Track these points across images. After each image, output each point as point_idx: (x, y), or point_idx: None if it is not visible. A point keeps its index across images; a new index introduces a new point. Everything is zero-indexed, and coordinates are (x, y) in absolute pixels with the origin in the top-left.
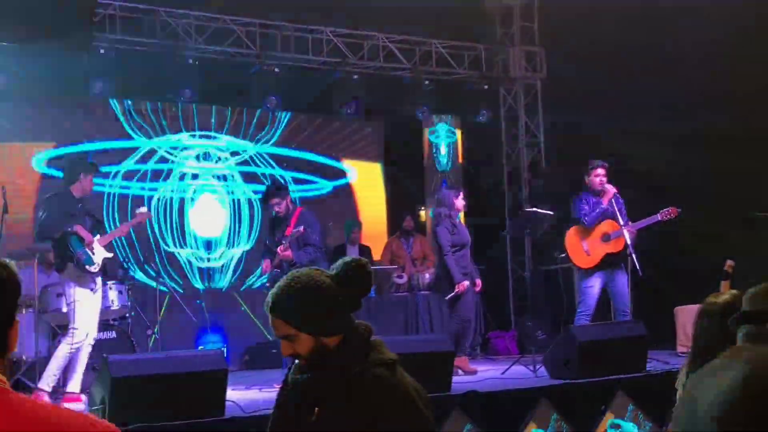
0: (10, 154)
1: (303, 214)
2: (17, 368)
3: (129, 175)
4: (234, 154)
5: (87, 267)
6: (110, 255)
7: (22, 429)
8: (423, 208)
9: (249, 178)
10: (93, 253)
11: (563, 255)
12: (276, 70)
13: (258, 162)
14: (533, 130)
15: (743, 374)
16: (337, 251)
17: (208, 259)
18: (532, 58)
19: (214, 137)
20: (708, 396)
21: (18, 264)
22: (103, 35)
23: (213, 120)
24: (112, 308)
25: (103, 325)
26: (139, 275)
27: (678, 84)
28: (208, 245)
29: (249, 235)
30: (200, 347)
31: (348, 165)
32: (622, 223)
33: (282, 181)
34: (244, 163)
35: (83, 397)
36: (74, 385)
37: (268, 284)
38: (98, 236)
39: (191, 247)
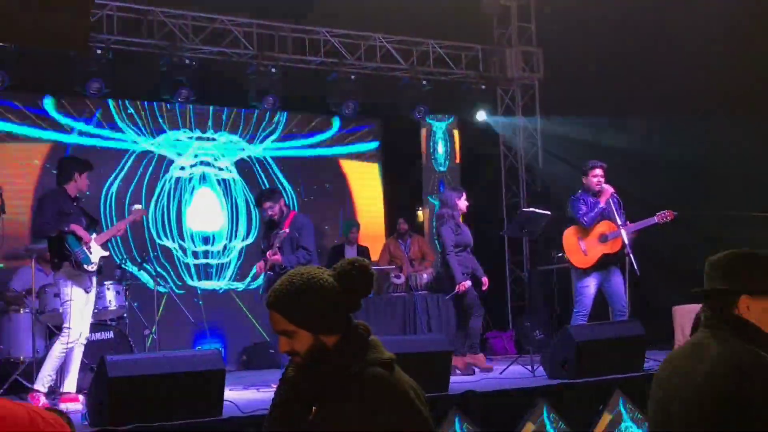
0: (7, 155)
1: (297, 217)
2: (15, 369)
3: (126, 175)
4: (231, 154)
5: (85, 266)
6: (106, 254)
7: None
8: (421, 208)
9: (246, 177)
10: (90, 252)
11: (560, 255)
12: (273, 70)
13: (255, 162)
14: (530, 131)
15: (706, 376)
16: (335, 251)
17: (207, 255)
18: (529, 59)
19: (212, 137)
20: (677, 394)
21: (17, 264)
22: (100, 35)
23: (210, 120)
24: (109, 308)
25: (101, 326)
26: (137, 275)
27: (676, 83)
28: (206, 242)
29: (247, 235)
30: (198, 347)
31: (345, 165)
32: (619, 223)
33: (277, 183)
34: (242, 162)
35: (80, 397)
36: (70, 385)
37: (261, 291)
38: (94, 235)
39: (189, 246)
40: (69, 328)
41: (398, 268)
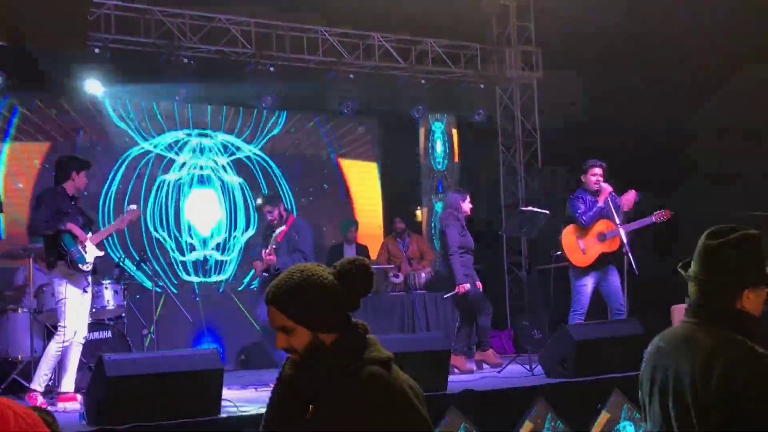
0: (6, 155)
1: (296, 222)
2: (13, 368)
3: (125, 175)
4: (230, 153)
5: (80, 266)
6: (101, 253)
7: None
8: (419, 207)
9: (245, 176)
10: (86, 252)
11: (559, 254)
12: (272, 69)
13: (254, 161)
14: (529, 130)
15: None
16: (334, 250)
17: (204, 256)
18: (528, 58)
19: (210, 136)
20: (671, 390)
21: (15, 264)
22: (98, 34)
23: (208, 119)
24: (107, 308)
25: (99, 325)
26: (134, 274)
27: (675, 82)
28: (204, 242)
29: (244, 232)
30: (196, 347)
31: (344, 164)
32: (618, 222)
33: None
34: (240, 162)
35: (78, 396)
36: (68, 384)
37: (257, 292)
38: (90, 234)
39: (187, 245)
40: (64, 327)
41: (397, 268)
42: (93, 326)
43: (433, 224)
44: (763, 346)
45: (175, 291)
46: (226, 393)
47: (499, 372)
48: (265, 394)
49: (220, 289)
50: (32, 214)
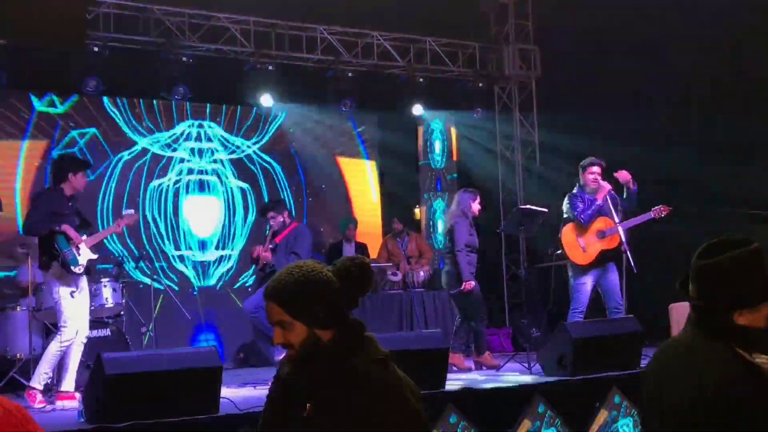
0: (4, 154)
1: (297, 228)
2: (12, 366)
3: (123, 173)
4: (228, 152)
5: (72, 267)
6: (95, 257)
7: None
8: (418, 206)
9: (243, 175)
10: (79, 254)
11: (558, 252)
12: (270, 67)
13: (252, 160)
14: (528, 128)
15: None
16: (333, 248)
17: (202, 257)
18: (526, 56)
19: (209, 134)
20: (668, 399)
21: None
22: (96, 33)
23: (207, 118)
24: (106, 306)
25: (98, 323)
26: (134, 273)
27: (673, 81)
28: (203, 244)
29: (242, 233)
30: (195, 345)
31: (342, 163)
32: (616, 220)
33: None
34: (239, 160)
35: (77, 395)
36: (68, 383)
37: (251, 290)
38: (85, 237)
39: (185, 245)
40: (65, 326)
41: (395, 266)
42: (92, 324)
43: (431, 222)
44: None
45: (175, 288)
46: (225, 391)
47: (497, 370)
48: (263, 392)
49: (218, 287)
50: (27, 214)
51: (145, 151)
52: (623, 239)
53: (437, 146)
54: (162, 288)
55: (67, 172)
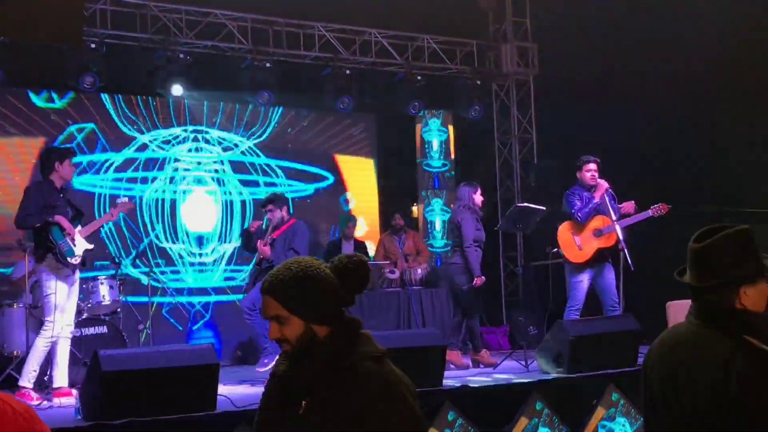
0: (1, 150)
1: (295, 224)
2: (8, 363)
3: (120, 170)
4: (226, 149)
5: (68, 258)
6: (91, 247)
7: None
8: (415, 203)
9: (240, 173)
10: (74, 245)
11: (555, 250)
12: (268, 65)
13: (250, 157)
14: (525, 126)
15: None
16: (332, 247)
17: (200, 255)
18: (524, 54)
19: (206, 132)
20: (672, 390)
21: (10, 259)
22: (93, 30)
23: (204, 115)
24: (103, 303)
25: (95, 320)
26: (131, 270)
27: (672, 79)
28: (200, 240)
29: (241, 230)
30: (192, 342)
31: (340, 160)
32: (614, 218)
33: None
34: (236, 158)
35: (74, 391)
36: (61, 379)
37: (246, 284)
38: (79, 227)
39: (183, 243)
40: (51, 321)
41: (393, 264)
42: (88, 321)
43: (429, 220)
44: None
45: (172, 285)
46: (222, 388)
47: (494, 368)
48: (260, 389)
49: (216, 284)
50: (19, 208)
51: (142, 147)
52: (620, 237)
53: (435, 144)
54: (159, 285)
55: (54, 161)
